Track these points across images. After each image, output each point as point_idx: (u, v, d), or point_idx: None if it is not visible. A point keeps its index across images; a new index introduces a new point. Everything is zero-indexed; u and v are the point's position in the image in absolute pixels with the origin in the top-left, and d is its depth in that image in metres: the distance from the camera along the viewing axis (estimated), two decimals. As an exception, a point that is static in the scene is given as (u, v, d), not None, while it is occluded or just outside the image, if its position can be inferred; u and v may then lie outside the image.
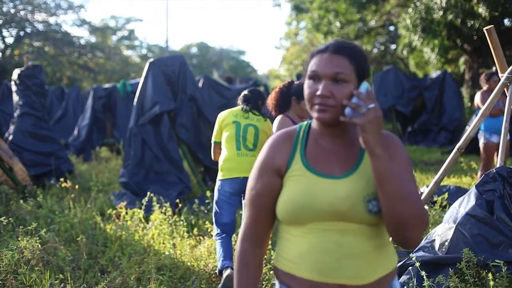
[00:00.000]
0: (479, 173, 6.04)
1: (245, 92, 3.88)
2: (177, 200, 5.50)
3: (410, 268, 2.82)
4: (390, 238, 1.42)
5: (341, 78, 1.33)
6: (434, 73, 13.43)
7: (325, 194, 1.36)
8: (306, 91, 1.39)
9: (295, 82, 3.59)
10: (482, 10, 11.51)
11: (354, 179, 1.37)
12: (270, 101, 3.56)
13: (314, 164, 1.41)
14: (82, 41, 27.61)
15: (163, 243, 4.23)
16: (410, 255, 2.89)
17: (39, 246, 3.73)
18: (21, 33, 24.67)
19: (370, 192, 1.35)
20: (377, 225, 1.37)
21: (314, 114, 1.37)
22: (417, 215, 1.30)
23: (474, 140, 5.79)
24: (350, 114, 1.30)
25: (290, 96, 3.51)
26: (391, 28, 21.12)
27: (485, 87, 5.95)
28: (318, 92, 1.34)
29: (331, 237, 1.36)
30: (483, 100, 5.74)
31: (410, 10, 13.53)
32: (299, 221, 1.38)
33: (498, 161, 3.23)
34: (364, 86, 1.33)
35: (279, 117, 3.49)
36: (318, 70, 1.36)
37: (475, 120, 3.21)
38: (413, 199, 1.31)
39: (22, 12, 24.35)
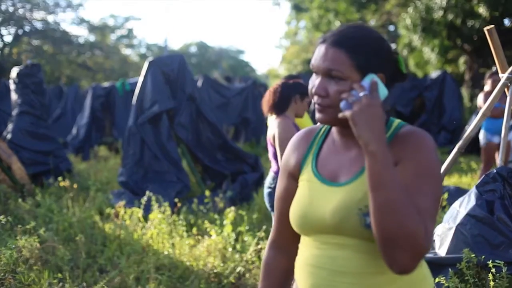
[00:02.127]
0: (479, 174, 6.03)
1: None
2: (176, 200, 5.48)
3: (410, 268, 2.81)
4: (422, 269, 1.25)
5: (335, 75, 1.17)
6: (434, 73, 13.42)
7: (319, 204, 1.22)
8: (309, 86, 1.26)
9: (290, 81, 3.42)
10: (482, 10, 11.52)
11: (352, 187, 1.19)
12: (267, 101, 3.33)
13: (322, 168, 1.27)
14: (81, 40, 27.63)
15: (162, 242, 4.21)
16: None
17: (38, 245, 3.71)
18: (20, 31, 24.66)
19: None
20: None
21: (316, 114, 1.24)
22: (408, 235, 1.04)
23: (474, 140, 5.78)
24: (344, 107, 1.14)
25: (291, 95, 3.32)
26: (391, 27, 21.12)
27: (488, 87, 5.87)
28: (313, 90, 1.22)
29: (328, 251, 1.22)
30: (485, 102, 5.67)
31: (410, 9, 13.53)
32: (302, 231, 1.28)
33: (498, 161, 3.22)
34: (368, 78, 1.16)
35: (280, 119, 3.25)
36: (314, 64, 1.22)
37: (475, 120, 3.21)
38: (409, 214, 1.04)
39: (20, 11, 24.33)
